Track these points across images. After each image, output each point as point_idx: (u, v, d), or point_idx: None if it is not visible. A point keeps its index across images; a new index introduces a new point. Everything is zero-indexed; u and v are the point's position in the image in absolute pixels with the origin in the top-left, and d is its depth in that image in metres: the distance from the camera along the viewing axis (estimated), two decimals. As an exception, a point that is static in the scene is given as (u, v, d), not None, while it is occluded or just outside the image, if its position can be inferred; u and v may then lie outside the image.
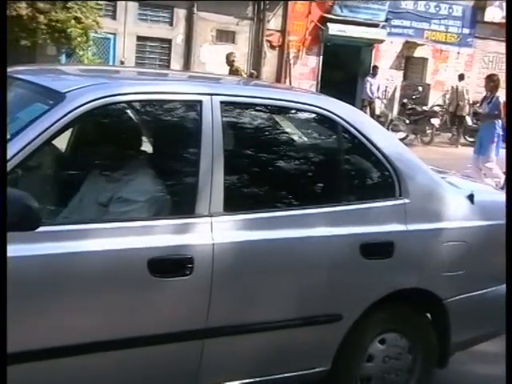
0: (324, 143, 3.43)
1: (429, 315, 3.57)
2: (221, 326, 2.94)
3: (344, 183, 3.31)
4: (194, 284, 2.84)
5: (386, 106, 19.45)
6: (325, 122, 3.32)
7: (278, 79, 18.94)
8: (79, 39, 15.16)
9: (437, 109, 19.22)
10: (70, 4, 14.85)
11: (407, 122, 18.18)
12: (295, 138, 3.38)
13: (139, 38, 17.25)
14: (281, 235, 3.05)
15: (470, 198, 3.53)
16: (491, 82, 10.88)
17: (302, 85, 18.94)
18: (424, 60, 20.84)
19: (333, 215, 3.20)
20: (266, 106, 3.25)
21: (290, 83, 18.74)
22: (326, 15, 18.92)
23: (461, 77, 19.24)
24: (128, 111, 3.04)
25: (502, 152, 10.05)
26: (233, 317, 2.97)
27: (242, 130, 3.21)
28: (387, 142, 3.43)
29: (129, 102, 2.98)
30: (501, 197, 3.79)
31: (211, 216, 2.91)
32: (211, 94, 3.01)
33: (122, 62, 16.43)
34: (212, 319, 2.89)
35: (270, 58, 18.93)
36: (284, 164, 3.29)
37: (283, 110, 3.31)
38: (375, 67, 18.92)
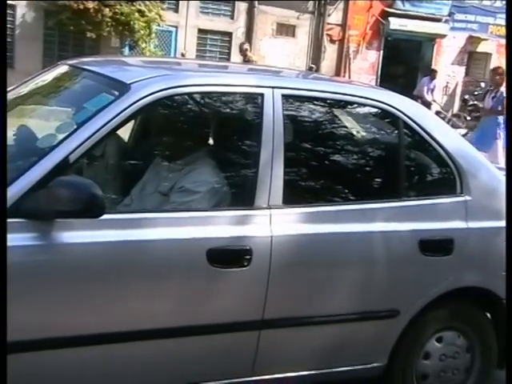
0: (385, 138, 3.39)
1: (488, 314, 3.48)
2: (277, 318, 2.93)
3: (404, 179, 3.26)
4: (252, 275, 2.85)
5: (443, 107, 19.01)
6: (386, 116, 3.28)
7: (338, 74, 18.81)
8: (142, 32, 15.42)
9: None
10: (135, -3, 15.13)
11: (468, 118, 17.81)
12: (355, 132, 3.35)
13: (200, 31, 17.40)
14: (339, 229, 3.03)
15: (534, 196, 3.44)
16: (497, 75, 10.27)
17: (362, 79, 18.74)
18: (487, 55, 20.38)
19: (392, 211, 3.16)
20: (326, 99, 3.22)
21: (350, 78, 18.59)
22: (387, 9, 18.73)
23: None
24: (190, 103, 3.05)
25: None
26: (289, 309, 2.97)
27: (302, 124, 3.20)
28: (449, 138, 3.36)
29: (191, 94, 3.00)
30: None
31: (270, 208, 2.90)
32: (273, 87, 3.01)
33: (182, 55, 16.58)
34: (269, 311, 2.89)
35: (330, 53, 18.82)
36: (343, 158, 3.28)
37: (344, 104, 3.29)
38: (434, 71, 18.44)
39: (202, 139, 3.20)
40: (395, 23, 18.59)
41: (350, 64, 18.88)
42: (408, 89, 19.87)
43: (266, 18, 17.88)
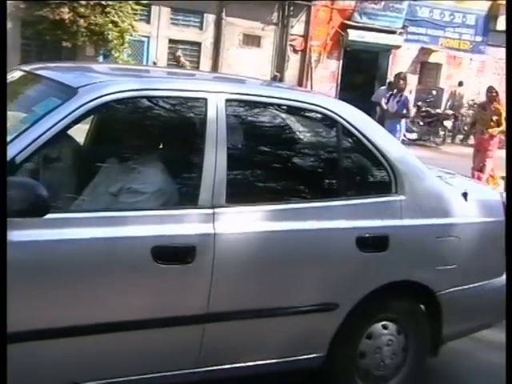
0: (324, 141, 3.34)
1: (423, 307, 3.46)
2: (221, 312, 2.88)
3: (343, 179, 3.23)
4: (196, 271, 2.80)
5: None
6: (325, 120, 3.24)
7: (300, 82, 18.84)
8: (116, 41, 15.25)
9: (449, 112, 18.98)
10: (108, 9, 14.94)
11: (421, 123, 17.97)
12: (297, 135, 3.30)
13: (171, 41, 17.27)
14: (280, 227, 2.99)
15: (464, 195, 3.43)
16: (400, 80, 10.35)
17: (323, 87, 18.82)
18: (438, 65, 20.60)
19: (331, 209, 3.12)
20: (269, 104, 3.17)
21: (312, 86, 18.64)
22: (346, 22, 18.80)
23: (460, 83, 19.06)
24: (137, 106, 2.98)
25: None
26: (233, 304, 2.92)
27: (245, 127, 3.15)
28: (386, 141, 3.34)
29: (138, 98, 2.92)
30: (494, 195, 3.68)
31: (213, 207, 2.86)
32: (216, 92, 2.96)
33: (154, 63, 16.45)
34: (213, 305, 2.84)
35: (293, 62, 18.83)
36: (285, 160, 3.23)
37: (286, 109, 3.23)
38: (391, 83, 18.44)
39: (150, 142, 3.13)
40: (353, 35, 18.67)
41: (312, 73, 18.89)
42: (366, 95, 20.06)
43: (233, 29, 17.83)
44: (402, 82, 10.31)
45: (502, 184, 11.25)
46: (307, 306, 3.07)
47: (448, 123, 18.28)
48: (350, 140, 3.26)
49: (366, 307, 3.21)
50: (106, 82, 2.84)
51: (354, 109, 3.36)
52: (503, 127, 9.51)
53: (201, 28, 17.66)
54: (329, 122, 3.23)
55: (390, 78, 19.58)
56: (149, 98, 2.96)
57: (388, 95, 10.77)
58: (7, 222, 2.31)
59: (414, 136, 18.02)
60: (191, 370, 2.91)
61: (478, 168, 9.79)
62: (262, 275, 2.97)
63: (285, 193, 3.11)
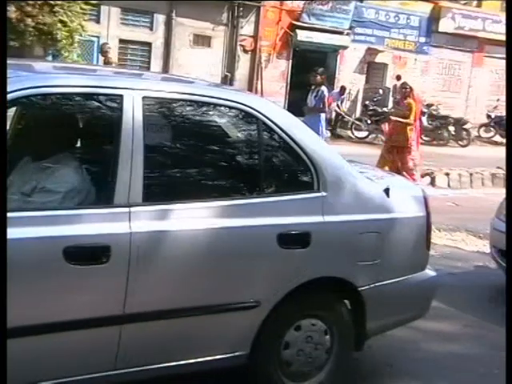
0: (245, 138, 3.24)
1: (347, 302, 3.42)
2: (139, 313, 2.78)
3: (264, 176, 3.15)
4: (111, 271, 2.69)
5: (346, 112, 19.25)
6: (246, 117, 3.16)
7: (251, 81, 18.79)
8: (65, 41, 14.86)
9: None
10: (56, 8, 14.58)
11: (369, 122, 18.12)
12: (217, 132, 3.19)
13: (121, 41, 16.98)
14: (199, 225, 2.90)
15: (386, 191, 3.40)
16: (317, 75, 10.39)
17: (273, 87, 18.81)
18: (384, 65, 20.79)
19: (252, 206, 3.05)
20: (188, 101, 3.07)
21: (262, 85, 18.60)
22: (294, 22, 18.80)
23: (398, 77, 19.34)
24: (51, 103, 2.85)
25: None
26: (151, 303, 2.81)
27: (164, 124, 3.05)
28: (307, 137, 3.27)
29: (51, 95, 2.79)
30: (416, 191, 3.66)
31: (130, 206, 2.75)
32: (133, 89, 2.85)
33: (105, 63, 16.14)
34: (130, 305, 2.74)
35: (244, 62, 18.74)
36: (204, 157, 3.12)
37: (205, 105, 3.11)
38: (343, 88, 18.73)
39: (65, 140, 3.00)
40: (302, 35, 18.69)
41: (262, 72, 18.83)
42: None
43: (184, 29, 17.64)
44: (318, 76, 10.30)
45: (423, 179, 11.37)
46: (229, 304, 2.99)
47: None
48: (272, 137, 3.18)
49: (289, 304, 3.14)
50: (19, 77, 2.70)
51: (276, 106, 3.29)
52: (409, 120, 9.58)
53: (151, 28, 17.42)
54: (249, 119, 3.15)
55: (339, 77, 19.84)
56: (63, 94, 2.83)
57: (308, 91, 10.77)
58: None
59: (362, 134, 18.19)
60: (109, 373, 2.79)
61: (397, 165, 9.71)
62: (181, 274, 2.88)
63: (204, 191, 3.02)
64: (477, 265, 6.42)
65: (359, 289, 3.30)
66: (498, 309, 5.14)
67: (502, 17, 22.37)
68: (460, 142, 19.01)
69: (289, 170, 3.28)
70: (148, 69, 17.39)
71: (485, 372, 3.95)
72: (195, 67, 17.62)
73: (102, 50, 13.71)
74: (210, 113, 3.14)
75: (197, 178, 3.06)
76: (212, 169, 3.12)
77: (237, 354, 3.09)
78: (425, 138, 18.94)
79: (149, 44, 17.43)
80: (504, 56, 22.42)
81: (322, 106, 10.21)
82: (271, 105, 3.28)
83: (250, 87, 18.68)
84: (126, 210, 2.74)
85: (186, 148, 3.11)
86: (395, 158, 9.78)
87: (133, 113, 2.80)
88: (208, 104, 3.11)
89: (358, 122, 18.48)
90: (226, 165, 3.17)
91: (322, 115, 10.21)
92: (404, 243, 3.47)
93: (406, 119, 9.61)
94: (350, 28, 19.66)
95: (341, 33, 19.45)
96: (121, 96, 2.81)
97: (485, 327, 4.73)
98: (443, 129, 18.94)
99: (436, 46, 21.68)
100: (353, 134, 18.13)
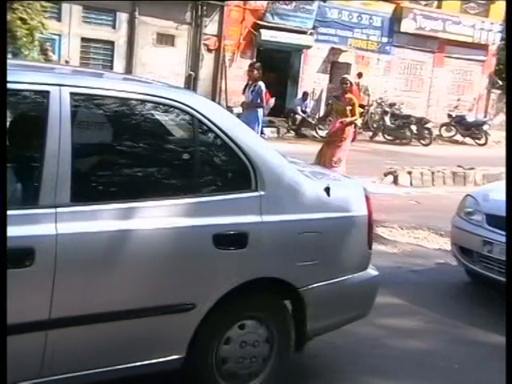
0: (179, 136, 3.15)
1: (288, 303, 3.34)
2: (66, 317, 2.65)
3: (199, 175, 3.04)
4: (36, 275, 2.56)
5: (311, 112, 19.30)
6: (180, 115, 3.05)
7: (215, 81, 18.66)
8: (25, 39, 14.51)
9: (359, 109, 19.21)
10: (15, 5, 14.23)
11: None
12: (150, 130, 3.07)
13: (83, 40, 16.72)
14: (131, 226, 2.78)
15: (327, 190, 3.32)
16: (254, 70, 10.24)
17: (237, 86, 18.57)
18: (348, 65, 20.80)
19: (186, 206, 2.94)
20: (120, 98, 2.94)
21: (226, 84, 18.47)
22: (258, 22, 18.72)
23: (359, 75, 19.44)
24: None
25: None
26: (79, 308, 2.69)
27: (93, 122, 2.92)
28: (245, 136, 3.18)
29: None
30: (358, 190, 3.59)
31: (56, 207, 2.62)
32: (60, 85, 2.72)
33: (66, 62, 15.84)
34: (56, 310, 2.61)
35: (208, 61, 18.60)
36: (137, 156, 3.01)
37: (139, 103, 2.99)
38: (306, 93, 19.04)
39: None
40: (266, 35, 18.60)
41: (226, 71, 18.71)
42: (279, 94, 20.11)
43: (147, 28, 17.42)
44: (255, 71, 10.17)
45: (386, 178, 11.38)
46: (162, 306, 2.88)
47: (358, 120, 18.48)
48: (208, 136, 3.08)
49: (226, 306, 3.05)
50: None
51: (213, 104, 3.20)
52: (356, 117, 9.64)
53: (114, 27, 17.16)
54: (185, 117, 3.04)
55: (303, 76, 19.83)
56: None
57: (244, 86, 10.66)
58: None
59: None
60: (34, 381, 2.66)
61: (331, 161, 9.66)
62: (111, 277, 2.76)
63: (136, 190, 2.90)
64: (438, 262, 6.46)
65: (299, 289, 3.22)
66: (459, 305, 5.24)
67: (462, 18, 22.72)
68: (422, 141, 19.15)
69: (226, 169, 3.18)
70: (111, 68, 17.14)
71: (445, 366, 4.03)
72: (159, 66, 17.45)
73: (42, 48, 13.42)
74: (143, 110, 3.02)
75: (129, 178, 2.94)
76: (145, 168, 3.00)
77: (172, 357, 2.97)
78: (387, 137, 19.15)
79: (111, 43, 17.18)
80: (463, 57, 22.67)
81: (259, 101, 10.08)
82: (208, 103, 3.18)
83: (215, 86, 18.57)
84: (52, 210, 2.62)
85: (117, 147, 2.99)
86: (326, 150, 9.76)
87: (60, 109, 2.67)
88: (141, 101, 2.99)
89: (321, 122, 18.48)
90: (159, 164, 3.03)
91: (260, 111, 10.08)
92: (345, 243, 3.40)
93: (352, 116, 9.66)
94: (314, 28, 19.65)
95: (304, 32, 19.42)
96: (47, 92, 2.68)
97: (446, 323, 4.78)
98: (406, 128, 19.05)
99: (398, 46, 21.81)
100: (317, 133, 18.12)
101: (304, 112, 18.70)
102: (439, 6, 22.57)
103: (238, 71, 18.91)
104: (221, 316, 3.06)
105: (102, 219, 2.73)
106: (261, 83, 10.03)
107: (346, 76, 10.43)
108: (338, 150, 9.54)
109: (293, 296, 3.27)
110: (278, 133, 18.42)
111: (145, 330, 2.88)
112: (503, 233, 5.02)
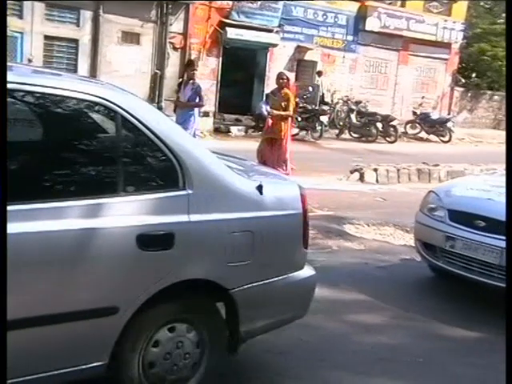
0: (102, 133, 2.97)
1: (219, 305, 3.20)
2: None
3: (123, 175, 2.86)
4: None
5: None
6: (103, 111, 2.88)
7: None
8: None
9: (326, 108, 19.19)
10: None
11: (299, 119, 18.03)
12: (71, 127, 2.88)
13: (47, 38, 16.30)
14: (51, 227, 2.62)
15: (259, 188, 3.19)
16: (190, 68, 10.26)
17: (204, 84, 18.33)
18: (314, 63, 20.75)
19: (108, 206, 2.77)
20: (33, 92, 2.74)
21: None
22: (224, 20, 18.50)
23: (319, 73, 19.39)
24: None
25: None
26: None
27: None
28: (172, 133, 3.02)
29: None
30: (292, 188, 3.46)
31: None
32: None
33: (29, 60, 15.48)
34: None
35: (174, 59, 18.33)
36: (56, 154, 2.81)
37: (57, 98, 2.80)
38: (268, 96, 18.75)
39: None
40: (232, 33, 18.41)
41: (192, 70, 18.47)
42: (245, 92, 20.01)
43: (111, 26, 17.09)
44: (192, 70, 10.08)
45: (352, 175, 11.37)
46: (83, 311, 2.71)
47: (324, 118, 18.47)
48: (133, 133, 2.91)
49: (153, 309, 2.90)
50: None
51: (138, 100, 3.03)
52: (289, 112, 9.63)
53: (77, 25, 16.79)
54: (107, 113, 2.87)
55: (269, 74, 19.69)
56: None
57: (178, 83, 10.57)
58: None
59: (292, 132, 18.08)
60: None
61: (279, 163, 9.58)
62: (29, 280, 2.59)
63: (55, 190, 2.72)
64: (404, 258, 6.47)
65: (230, 291, 3.09)
66: (424, 300, 5.24)
67: (425, 17, 22.82)
68: (388, 139, 19.20)
69: (152, 168, 3.01)
70: (75, 66, 16.82)
71: (410, 361, 4.03)
72: (124, 65, 17.17)
73: None
74: (63, 106, 2.83)
75: (47, 177, 2.75)
76: (64, 167, 2.81)
77: (94, 364, 2.81)
78: (354, 135, 19.15)
79: (75, 41, 16.80)
80: (427, 55, 22.81)
81: (199, 99, 9.93)
82: (133, 98, 3.02)
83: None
84: None
85: (34, 144, 2.82)
86: (273, 150, 9.72)
87: None
88: (60, 96, 2.79)
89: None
90: (79, 162, 2.86)
91: (196, 110, 9.95)
92: (278, 242, 3.27)
93: (286, 111, 9.62)
94: (279, 26, 19.51)
95: (270, 30, 19.27)
96: None
97: (411, 318, 4.79)
98: (371, 125, 19.07)
99: (363, 45, 21.82)
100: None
101: (269, 113, 18.55)
102: (403, 5, 22.64)
103: (204, 70, 18.69)
104: (147, 319, 2.91)
105: (18, 221, 2.54)
106: (198, 81, 9.89)
107: (282, 71, 10.46)
108: (283, 151, 9.59)
109: (225, 298, 3.13)
110: (246, 131, 18.30)
111: (64, 336, 2.71)
112: (465, 228, 5.02)
